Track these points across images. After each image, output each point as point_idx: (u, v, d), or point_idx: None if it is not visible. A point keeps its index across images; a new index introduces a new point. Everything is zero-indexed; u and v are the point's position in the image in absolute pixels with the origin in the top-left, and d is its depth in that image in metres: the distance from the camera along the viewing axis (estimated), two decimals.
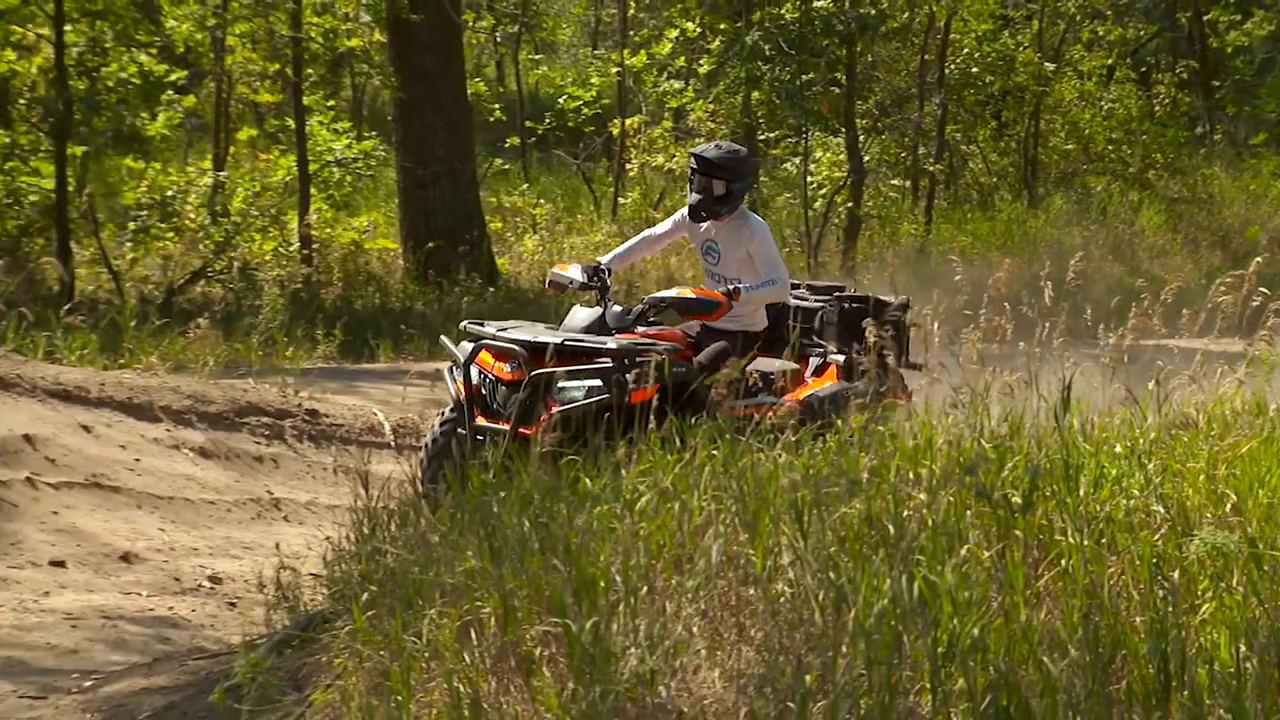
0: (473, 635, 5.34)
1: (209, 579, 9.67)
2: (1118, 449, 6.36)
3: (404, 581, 5.77)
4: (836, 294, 11.56)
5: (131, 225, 21.49)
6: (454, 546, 5.88)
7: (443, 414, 10.64)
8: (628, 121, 28.31)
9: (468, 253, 22.20)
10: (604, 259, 10.91)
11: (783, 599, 5.21)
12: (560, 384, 9.82)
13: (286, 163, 23.97)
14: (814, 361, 11.11)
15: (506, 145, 30.66)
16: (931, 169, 27.23)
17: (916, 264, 23.03)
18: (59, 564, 9.49)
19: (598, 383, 9.79)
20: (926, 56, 27.27)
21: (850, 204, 24.20)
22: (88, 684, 7.42)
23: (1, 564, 9.32)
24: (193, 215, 21.97)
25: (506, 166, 30.52)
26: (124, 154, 22.14)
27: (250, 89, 25.49)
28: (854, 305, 11.28)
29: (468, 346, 10.34)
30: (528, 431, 9.63)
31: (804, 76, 23.64)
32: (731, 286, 10.28)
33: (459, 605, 5.47)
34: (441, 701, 5.06)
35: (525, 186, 29.20)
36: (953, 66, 27.75)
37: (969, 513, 5.64)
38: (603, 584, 5.24)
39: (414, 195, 23.03)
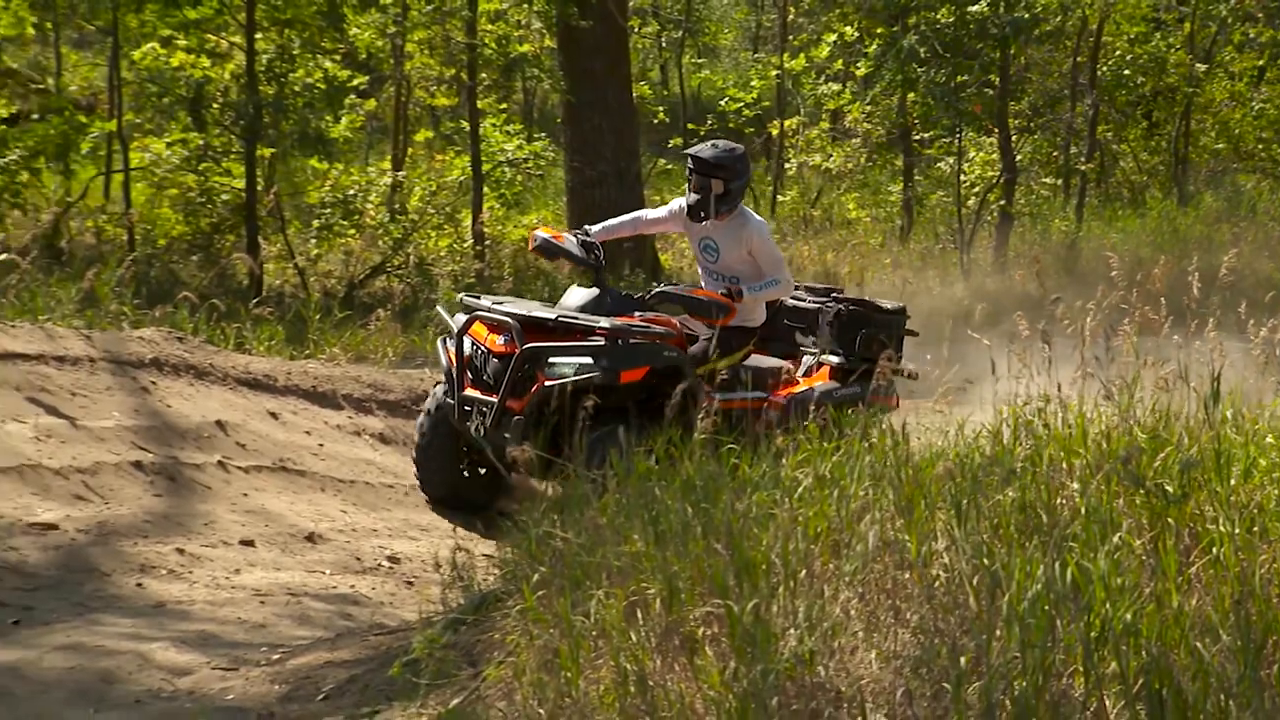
0: (638, 615, 5.33)
1: (388, 559, 9.74)
2: (1269, 439, 6.23)
3: (573, 563, 5.78)
4: (835, 296, 11.31)
5: (316, 223, 21.76)
6: (620, 530, 5.88)
7: (437, 389, 10.61)
8: (786, 122, 28.22)
9: (632, 249, 22.21)
10: (592, 228, 10.71)
11: (937, 583, 5.16)
12: (551, 360, 9.70)
13: (461, 163, 24.13)
14: (806, 361, 10.94)
15: (670, 145, 30.65)
16: (1083, 168, 26.87)
17: (1068, 260, 22.75)
18: (248, 543, 9.59)
19: (588, 360, 9.65)
20: (1079, 58, 26.90)
21: (1002, 202, 23.92)
22: (275, 656, 7.50)
23: (195, 542, 9.44)
24: (373, 213, 22.19)
25: (669, 166, 30.53)
26: (309, 155, 22.38)
27: (427, 93, 25.72)
28: (852, 309, 11.04)
29: (463, 318, 10.25)
30: (516, 405, 9.76)
31: (958, 79, 23.40)
32: (736, 288, 10.11)
33: (625, 586, 5.46)
34: (609, 678, 5.06)
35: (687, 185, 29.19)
36: (1105, 68, 27.34)
37: (1120, 502, 5.55)
38: (763, 567, 5.21)
39: (581, 193, 23.09)
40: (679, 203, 10.51)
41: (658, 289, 10.22)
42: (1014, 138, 24.97)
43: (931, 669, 4.72)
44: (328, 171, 22.47)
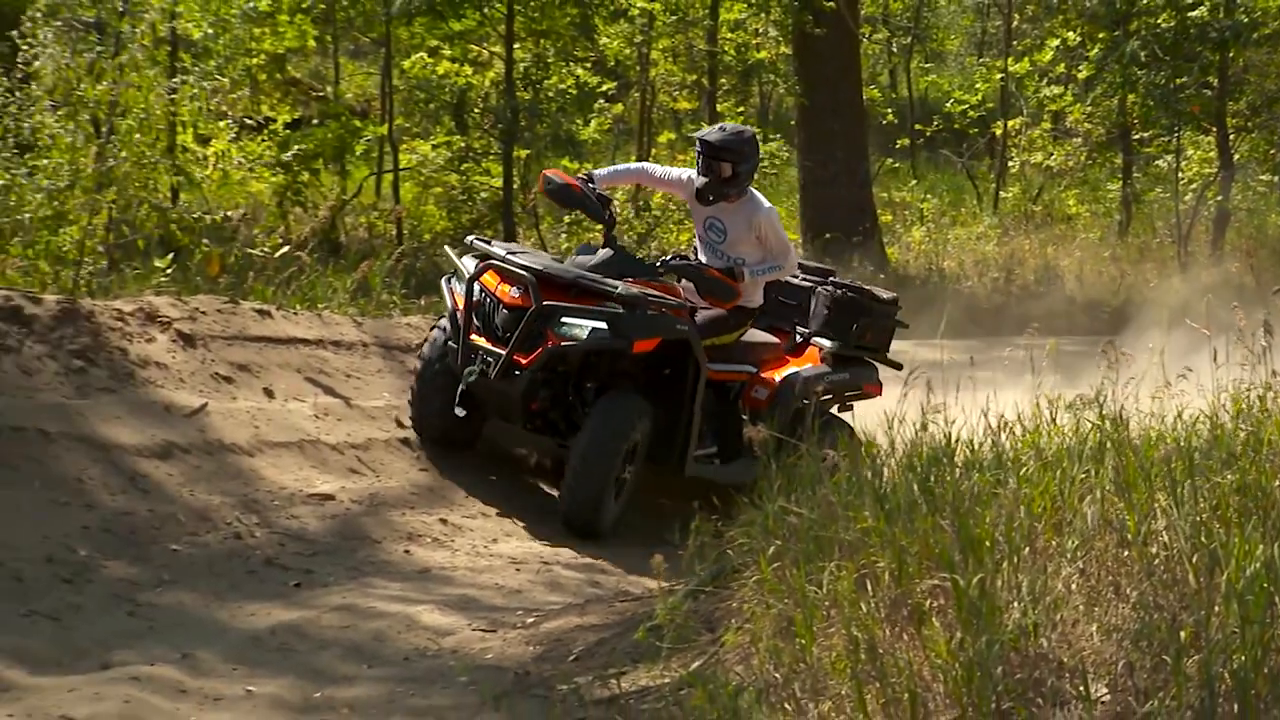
0: (868, 587, 5.29)
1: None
2: None
3: (806, 537, 5.75)
4: (831, 280, 10.82)
5: (567, 218, 21.95)
6: (851, 507, 5.83)
7: (435, 330, 10.06)
8: (1010, 123, 27.81)
9: (861, 243, 22.08)
10: (597, 173, 10.03)
11: (1157, 561, 5.05)
12: (564, 319, 9.19)
13: None
14: (792, 336, 10.52)
15: (897, 146, 30.42)
16: None
17: None
18: (506, 515, 9.71)
19: (603, 325, 9.13)
20: None
21: (1219, 198, 23.32)
22: (530, 620, 7.56)
23: (457, 513, 9.58)
24: (618, 210, 22.31)
25: (897, 165, 30.29)
26: (561, 156, 22.60)
27: (670, 97, 25.79)
28: (850, 296, 10.59)
29: (471, 262, 9.70)
30: (523, 359, 9.22)
31: (1177, 80, 22.85)
32: (739, 269, 9.61)
33: (855, 560, 5.42)
34: (840, 646, 5.02)
35: (914, 183, 28.93)
36: None
37: None
38: (988, 543, 5.14)
39: (814, 191, 23.02)
40: (689, 174, 9.93)
41: (674, 263, 9.72)
42: (1231, 136, 24.33)
43: (1151, 642, 4.62)
44: (576, 171, 22.62)
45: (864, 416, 10.02)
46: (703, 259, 9.95)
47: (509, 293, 9.29)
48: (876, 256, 22.43)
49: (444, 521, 9.34)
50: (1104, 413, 6.33)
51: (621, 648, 6.46)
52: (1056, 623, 4.87)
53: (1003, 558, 5.09)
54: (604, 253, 9.57)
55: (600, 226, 9.90)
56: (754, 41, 24.20)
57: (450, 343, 9.66)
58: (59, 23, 12.63)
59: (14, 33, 12.85)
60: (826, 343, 10.43)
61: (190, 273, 13.09)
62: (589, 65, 22.93)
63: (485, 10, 21.12)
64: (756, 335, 10.13)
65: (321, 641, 7.12)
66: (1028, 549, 5.22)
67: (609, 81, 23.49)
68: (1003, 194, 27.85)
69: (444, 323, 9.93)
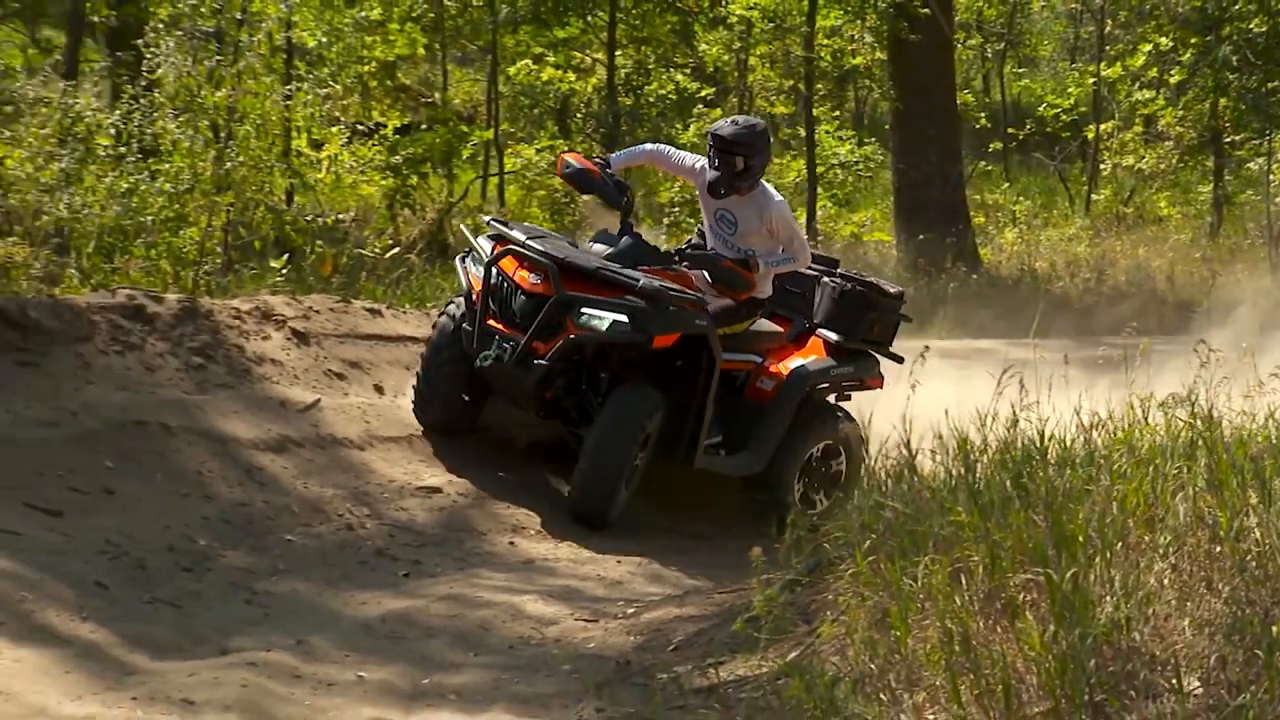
0: (962, 580, 5.25)
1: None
2: None
3: (900, 532, 5.72)
4: (840, 273, 10.46)
5: (666, 220, 21.95)
6: (944, 502, 5.80)
7: (446, 313, 9.70)
8: (1102, 127, 27.54)
9: (954, 244, 21.94)
10: (615, 156, 9.82)
11: (1249, 556, 4.98)
12: (584, 310, 8.87)
13: (797, 165, 24.11)
14: (795, 325, 10.19)
15: (990, 149, 30.19)
16: None
17: None
18: None
19: (623, 319, 8.83)
20: None
21: None
22: (630, 610, 7.57)
23: (560, 506, 9.59)
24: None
25: (990, 168, 30.08)
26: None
27: (767, 102, 25.75)
28: (858, 290, 10.22)
29: (485, 243, 9.37)
30: (541, 348, 8.91)
31: (1269, 84, 22.54)
32: (753, 260, 9.33)
33: (949, 554, 5.39)
34: (935, 638, 4.99)
35: (1006, 185, 28.72)
36: None
37: None
38: (1080, 539, 5.09)
39: (908, 194, 22.89)
40: (702, 163, 9.57)
41: (691, 252, 9.46)
42: None
43: (1244, 636, 4.56)
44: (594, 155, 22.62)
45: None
46: (713, 248, 9.72)
47: (528, 279, 8.99)
48: (970, 257, 22.28)
49: (546, 514, 9.36)
50: (1196, 411, 6.26)
51: (720, 638, 6.46)
52: (1149, 617, 4.82)
53: (1095, 553, 5.04)
54: (623, 240, 9.35)
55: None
56: (850, 47, 24.10)
57: (465, 325, 9.34)
58: (180, 32, 12.82)
59: (139, 42, 13.04)
60: (831, 335, 10.14)
61: (304, 273, 13.22)
62: (688, 71, 22.96)
63: (588, 18, 21.21)
64: (762, 324, 9.91)
65: (429, 630, 7.17)
66: (1120, 544, 5.16)
67: (708, 87, 23.48)
68: (1094, 196, 27.60)
69: (452, 308, 9.64)
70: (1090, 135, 27.87)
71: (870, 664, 5.15)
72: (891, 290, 10.43)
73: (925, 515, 5.75)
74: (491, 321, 9.08)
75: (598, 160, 9.58)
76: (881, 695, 4.98)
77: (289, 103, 13.60)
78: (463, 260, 9.54)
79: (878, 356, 10.35)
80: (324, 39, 17.19)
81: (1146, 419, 6.65)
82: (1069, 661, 4.58)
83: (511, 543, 8.85)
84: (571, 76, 21.88)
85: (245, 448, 8.82)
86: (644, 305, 8.82)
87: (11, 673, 5.86)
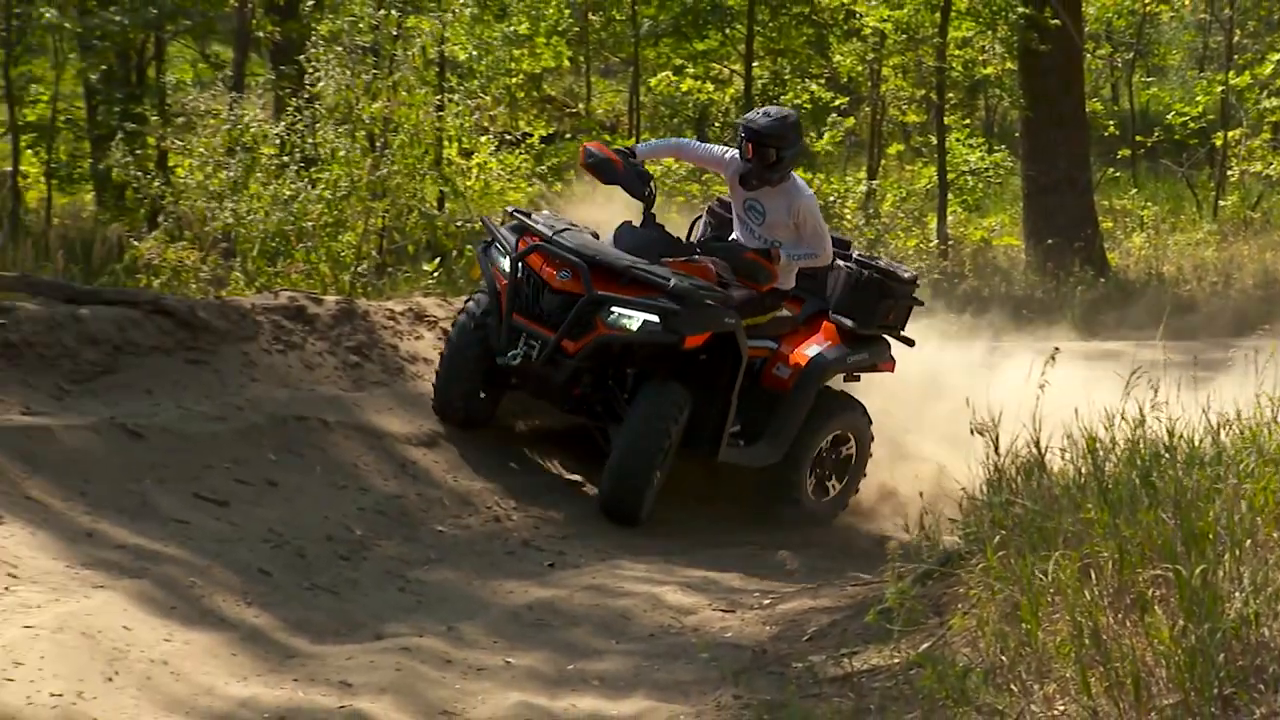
0: (1091, 576, 5.18)
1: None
2: None
3: (1030, 528, 5.65)
4: (855, 257, 9.98)
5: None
6: (1074, 499, 5.72)
7: (464, 316, 9.21)
8: (1229, 134, 27.02)
9: (1082, 249, 21.61)
10: (639, 147, 9.42)
11: None
12: (613, 309, 8.52)
13: (928, 172, 23.94)
14: (807, 307, 9.75)
15: (1118, 156, 29.74)
16: None
17: None
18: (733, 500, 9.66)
19: (654, 319, 8.48)
20: None
21: None
22: (766, 601, 7.55)
23: (696, 500, 9.58)
24: (849, 217, 22.19)
25: (1118, 174, 29.63)
26: (796, 166, 22.56)
27: (900, 111, 25.54)
28: (875, 277, 9.77)
29: (509, 235, 8.95)
30: (571, 346, 8.58)
31: None
32: (775, 250, 8.96)
33: (1079, 549, 5.31)
34: (1065, 631, 4.93)
35: (1134, 191, 28.27)
36: None
37: None
38: (1210, 536, 5.00)
39: (1037, 200, 22.61)
40: (730, 153, 9.24)
41: (712, 244, 9.15)
42: None
43: None
44: (811, 180, 22.58)
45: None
46: (737, 237, 9.41)
47: (556, 275, 8.63)
48: (1097, 262, 21.95)
49: (684, 508, 9.35)
50: None
51: (853, 629, 6.43)
52: (1277, 613, 4.72)
53: (1224, 550, 4.95)
54: (646, 233, 8.98)
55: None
56: (980, 58, 23.85)
57: (488, 318, 8.95)
58: (340, 48, 12.98)
59: (301, 57, 13.24)
60: (846, 321, 9.70)
61: (454, 276, 13.33)
62: (823, 81, 22.86)
63: (727, 31, 21.22)
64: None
65: (573, 618, 7.20)
66: (1249, 542, 5.06)
67: (842, 96, 23.36)
68: (1222, 202, 27.07)
69: (472, 305, 9.20)
70: (1218, 142, 27.35)
71: (1001, 656, 5.10)
72: (906, 275, 10.04)
73: (1055, 512, 5.67)
74: (521, 319, 8.71)
75: (621, 151, 9.17)
76: (1012, 686, 4.93)
77: (441, 113, 13.73)
78: (484, 251, 9.14)
79: (890, 340, 9.97)
80: (474, 52, 17.34)
81: (1275, 419, 6.51)
82: (1198, 655, 4.51)
83: (651, 535, 8.86)
84: (710, 87, 21.90)
85: (399, 442, 8.93)
86: (674, 305, 8.48)
87: (182, 654, 5.98)
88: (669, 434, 8.70)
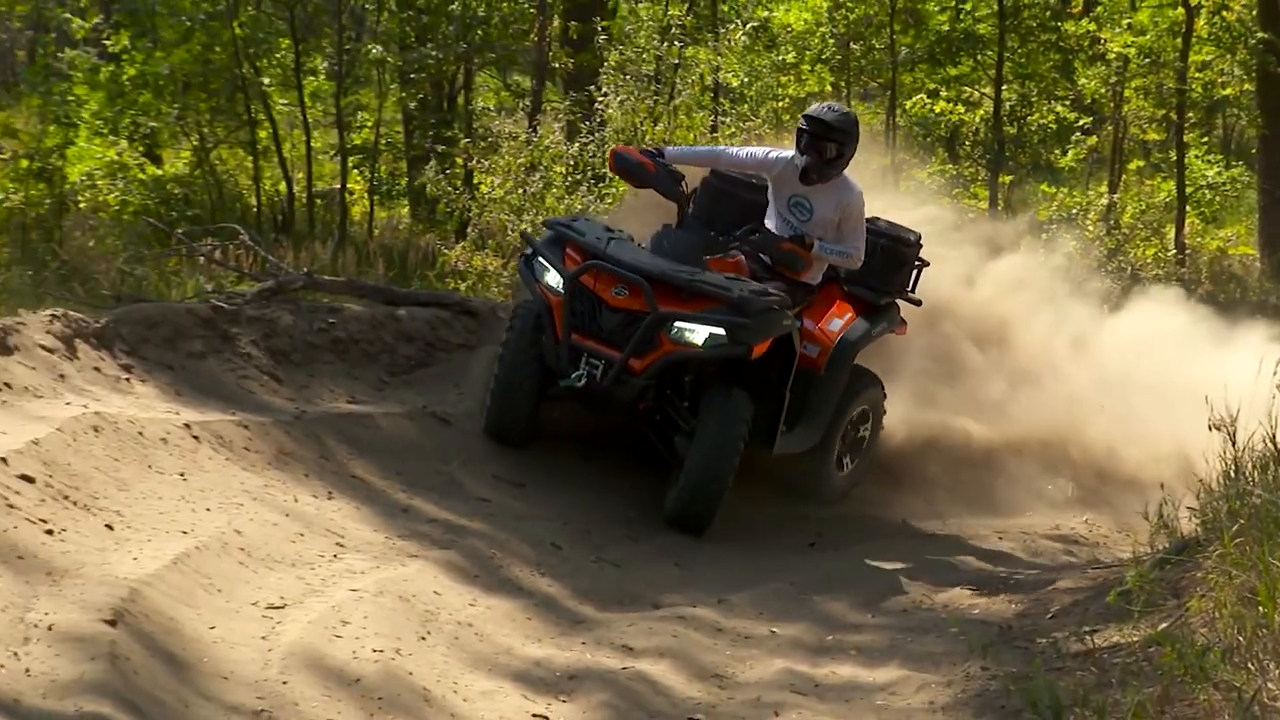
0: None
1: None
2: None
3: (1267, 517, 5.44)
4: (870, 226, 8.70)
5: (1043, 236, 21.43)
6: None
7: (513, 335, 8.22)
8: None
9: None
10: (670, 150, 8.49)
11: None
12: (676, 324, 7.70)
13: (1167, 187, 23.21)
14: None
15: None
16: None
17: None
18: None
19: (720, 331, 7.67)
20: None
21: None
22: (1011, 581, 7.44)
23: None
24: (1091, 228, 21.64)
25: None
26: (1040, 181, 22.12)
27: (1140, 130, 24.82)
28: (889, 247, 8.89)
29: (549, 249, 8.05)
30: (638, 365, 7.74)
31: None
32: (810, 239, 8.10)
33: None
34: None
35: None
36: None
37: None
38: None
39: (1273, 212, 21.78)
40: (775, 153, 8.44)
41: (753, 236, 8.24)
42: None
43: None
44: (1055, 194, 22.10)
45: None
46: (772, 228, 8.49)
47: (612, 292, 7.79)
48: None
49: (936, 496, 9.24)
50: None
51: (1094, 609, 6.28)
52: None
53: None
54: (689, 236, 8.07)
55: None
56: (1220, 80, 23.03)
57: (541, 335, 8.02)
58: (627, 76, 13.15)
59: (592, 86, 13.46)
60: (866, 292, 8.84)
61: None
62: (1068, 102, 22.33)
63: (978, 57, 20.91)
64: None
65: (832, 593, 7.19)
66: None
67: (1085, 117, 22.80)
68: None
69: (519, 322, 8.21)
70: None
71: (1238, 636, 4.93)
72: (911, 237, 9.14)
73: None
74: (580, 339, 7.84)
75: (649, 152, 8.31)
76: (1249, 665, 4.77)
77: (715, 135, 13.79)
78: (526, 264, 8.17)
79: (898, 303, 9.14)
80: (745, 79, 17.37)
81: None
82: None
83: (905, 520, 8.78)
84: (961, 109, 21.57)
85: None
86: (742, 319, 7.71)
87: (485, 618, 6.13)
88: (741, 438, 7.92)
